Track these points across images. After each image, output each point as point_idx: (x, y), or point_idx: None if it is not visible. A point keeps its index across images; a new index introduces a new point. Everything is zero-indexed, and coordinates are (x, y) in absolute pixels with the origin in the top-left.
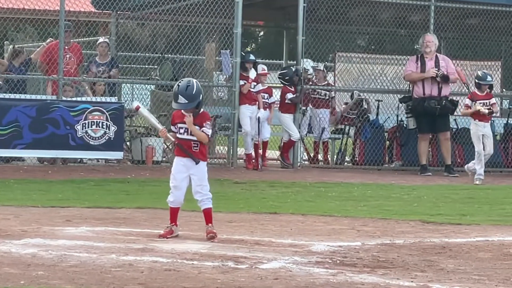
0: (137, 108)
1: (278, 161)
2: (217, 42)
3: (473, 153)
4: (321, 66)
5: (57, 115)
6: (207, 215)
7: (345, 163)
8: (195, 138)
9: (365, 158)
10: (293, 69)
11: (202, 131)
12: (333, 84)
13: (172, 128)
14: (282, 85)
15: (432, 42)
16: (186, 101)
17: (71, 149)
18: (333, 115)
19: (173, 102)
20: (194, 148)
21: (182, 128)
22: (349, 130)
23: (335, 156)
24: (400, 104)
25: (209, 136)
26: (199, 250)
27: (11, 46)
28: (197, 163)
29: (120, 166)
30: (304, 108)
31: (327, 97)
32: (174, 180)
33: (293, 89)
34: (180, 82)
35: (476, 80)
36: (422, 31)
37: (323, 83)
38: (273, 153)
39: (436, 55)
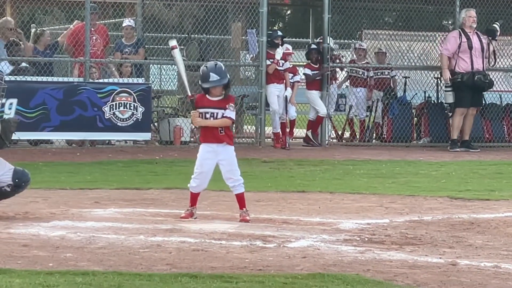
0: (174, 48)
1: (302, 141)
2: (243, 21)
3: (500, 128)
4: (364, 45)
5: (84, 97)
6: (241, 200)
7: (373, 141)
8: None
9: (393, 135)
10: (313, 46)
11: (224, 116)
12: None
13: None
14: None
15: (476, 17)
16: (219, 77)
17: (99, 131)
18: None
19: (203, 83)
20: (220, 132)
21: (208, 113)
22: (376, 107)
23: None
24: (434, 79)
25: (232, 118)
26: (227, 230)
27: (33, 30)
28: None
29: (148, 147)
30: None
31: (365, 76)
32: (200, 167)
33: (317, 66)
34: (206, 64)
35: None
36: (449, 7)
37: (363, 62)
38: (301, 132)
39: (476, 32)
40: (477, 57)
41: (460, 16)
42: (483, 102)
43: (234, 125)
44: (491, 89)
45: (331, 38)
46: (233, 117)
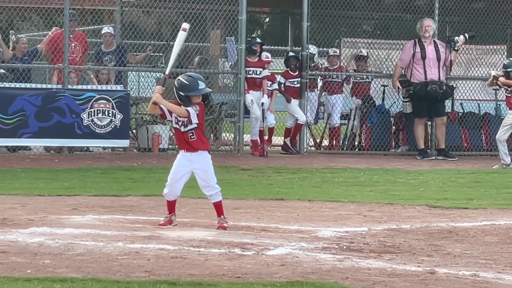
0: (184, 30)
1: (280, 148)
2: (222, 29)
3: (478, 137)
4: (337, 51)
5: (62, 104)
6: (218, 208)
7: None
8: (190, 128)
9: (371, 143)
10: (290, 54)
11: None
12: (345, 68)
13: (169, 117)
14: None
15: (430, 26)
16: (205, 86)
17: (77, 138)
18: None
19: (191, 92)
20: (191, 137)
21: (180, 121)
22: (355, 115)
23: (341, 142)
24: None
25: (189, 112)
26: (205, 237)
27: (13, 37)
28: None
29: (127, 154)
30: (310, 93)
31: (340, 79)
32: (172, 174)
33: (295, 74)
34: (188, 75)
35: (504, 69)
36: (427, 15)
37: (335, 67)
38: (279, 139)
39: (434, 41)
40: (431, 66)
41: (417, 25)
42: (461, 111)
43: (213, 134)
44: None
45: (315, 46)
46: (192, 113)
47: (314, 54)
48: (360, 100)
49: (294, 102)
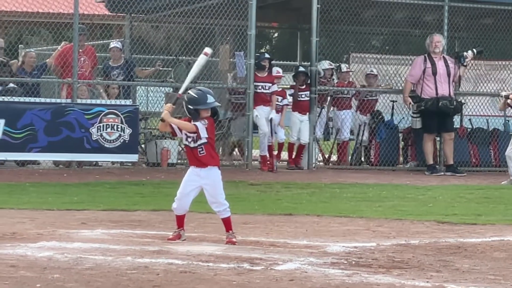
0: (206, 54)
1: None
2: (231, 44)
3: (487, 153)
4: (343, 67)
5: (72, 118)
6: (227, 223)
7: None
8: (199, 143)
9: (380, 159)
10: (301, 69)
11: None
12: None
13: (179, 134)
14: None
15: (440, 42)
16: (214, 100)
17: (86, 152)
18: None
19: (200, 105)
20: (200, 153)
21: (189, 137)
22: (363, 131)
23: (349, 157)
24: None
25: (197, 126)
26: (214, 252)
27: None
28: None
29: (135, 169)
30: (319, 108)
31: (349, 95)
32: (182, 188)
33: (303, 88)
34: (198, 88)
35: None
36: (436, 31)
37: (345, 82)
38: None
39: (443, 56)
40: (442, 82)
41: (426, 41)
42: (470, 127)
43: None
44: (479, 114)
45: (328, 61)
46: (200, 128)
47: (333, 68)
48: (365, 116)
49: (297, 117)
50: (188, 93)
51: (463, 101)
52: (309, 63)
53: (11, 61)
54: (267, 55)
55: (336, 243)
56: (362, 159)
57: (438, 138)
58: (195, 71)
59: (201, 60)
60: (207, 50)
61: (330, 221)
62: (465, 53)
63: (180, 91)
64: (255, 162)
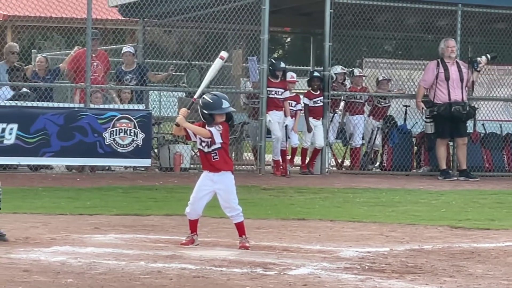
0: (222, 58)
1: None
2: (244, 48)
3: (500, 158)
4: (356, 71)
5: (84, 123)
6: (240, 228)
7: (374, 169)
8: (213, 148)
9: (393, 164)
10: (315, 74)
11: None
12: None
13: (193, 138)
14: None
15: (455, 47)
16: (229, 104)
17: (99, 157)
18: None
19: (214, 110)
20: (214, 158)
21: (204, 141)
22: (376, 136)
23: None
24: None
25: (212, 132)
26: (227, 256)
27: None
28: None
29: (148, 173)
30: (332, 113)
31: (362, 100)
32: (195, 193)
33: (317, 93)
34: (212, 93)
35: None
36: (449, 36)
37: (358, 88)
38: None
39: (456, 61)
40: (455, 87)
41: (440, 46)
42: (483, 131)
43: (234, 153)
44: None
45: (341, 66)
46: (214, 133)
47: (345, 73)
48: (377, 121)
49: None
50: (203, 97)
51: (476, 106)
52: (322, 68)
53: (25, 66)
54: (282, 64)
55: (349, 248)
56: (377, 164)
57: (451, 143)
58: (211, 75)
59: (217, 64)
60: (223, 54)
61: (343, 226)
62: (478, 59)
63: (196, 96)
64: (268, 166)
